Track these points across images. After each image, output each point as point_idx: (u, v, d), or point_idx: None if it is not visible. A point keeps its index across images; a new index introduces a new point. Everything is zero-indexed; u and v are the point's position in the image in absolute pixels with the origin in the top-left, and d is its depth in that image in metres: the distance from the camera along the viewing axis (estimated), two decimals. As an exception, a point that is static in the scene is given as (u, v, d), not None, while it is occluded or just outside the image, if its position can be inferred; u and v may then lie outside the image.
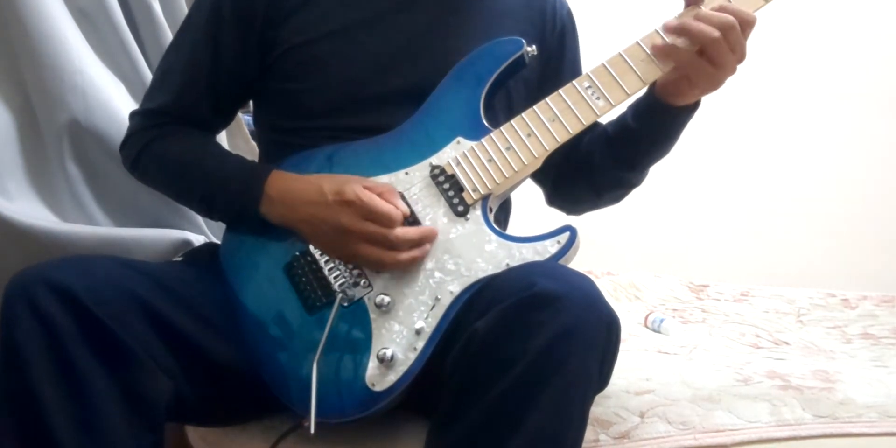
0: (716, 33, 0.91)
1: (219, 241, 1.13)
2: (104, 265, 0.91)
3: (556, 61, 1.16)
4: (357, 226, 0.93)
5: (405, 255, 0.92)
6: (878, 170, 2.42)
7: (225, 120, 1.17)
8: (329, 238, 0.95)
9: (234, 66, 1.07)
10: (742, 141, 2.43)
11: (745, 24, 0.92)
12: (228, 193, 1.01)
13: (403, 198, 0.97)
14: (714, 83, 0.95)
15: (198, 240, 1.34)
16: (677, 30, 0.93)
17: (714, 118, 2.39)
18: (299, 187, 0.97)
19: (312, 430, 0.87)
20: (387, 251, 0.92)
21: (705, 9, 0.93)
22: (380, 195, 0.94)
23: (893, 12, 2.37)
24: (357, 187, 0.94)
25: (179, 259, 1.18)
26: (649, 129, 1.05)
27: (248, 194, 0.99)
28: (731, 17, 0.91)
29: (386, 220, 0.92)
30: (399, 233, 0.92)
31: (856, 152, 2.41)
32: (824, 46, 2.39)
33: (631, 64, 0.96)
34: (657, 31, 0.95)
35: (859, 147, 2.41)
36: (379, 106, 1.04)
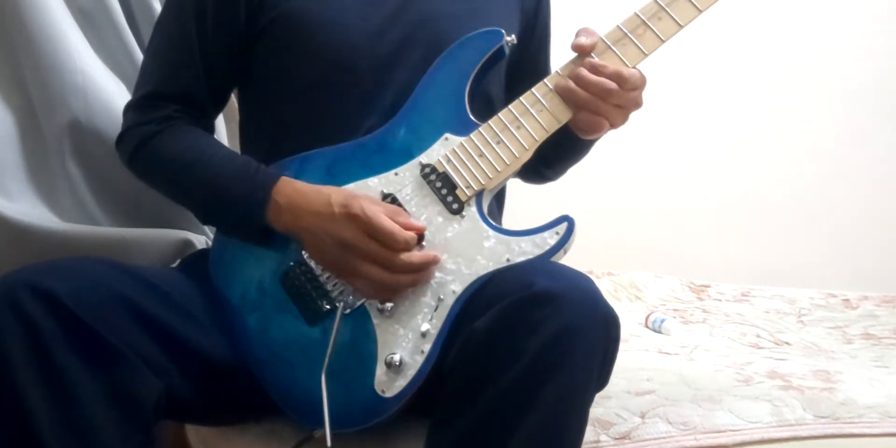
0: (598, 101, 0.93)
1: (220, 242, 1.12)
2: (91, 267, 0.90)
3: (530, 32, 1.16)
4: (359, 242, 0.90)
5: (406, 278, 0.90)
6: (879, 170, 2.42)
7: (219, 103, 1.13)
8: (329, 251, 0.93)
9: (222, 38, 1.04)
10: (742, 141, 2.43)
11: (624, 84, 0.93)
12: (233, 198, 0.98)
13: (395, 199, 0.96)
14: (599, 129, 0.97)
15: (198, 240, 1.34)
16: (565, 91, 0.94)
17: (714, 118, 2.41)
18: (307, 196, 0.95)
19: (329, 443, 0.87)
20: (387, 272, 0.90)
21: (583, 71, 0.93)
22: (389, 215, 0.91)
23: (893, 10, 2.38)
24: (364, 202, 0.91)
25: (175, 266, 1.16)
26: (557, 138, 1.04)
27: (255, 200, 0.96)
28: (609, 83, 0.92)
29: (390, 241, 0.90)
30: (403, 256, 0.89)
31: (856, 152, 2.41)
32: (826, 46, 2.39)
33: (615, 50, 0.95)
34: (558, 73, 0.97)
35: (860, 147, 2.41)
36: (371, 74, 1.02)
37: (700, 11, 0.94)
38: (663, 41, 0.95)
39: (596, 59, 0.94)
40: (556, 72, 0.97)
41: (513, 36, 1.00)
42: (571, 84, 0.94)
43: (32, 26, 1.18)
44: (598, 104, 0.94)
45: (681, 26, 0.94)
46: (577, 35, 0.97)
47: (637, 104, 0.97)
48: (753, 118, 2.42)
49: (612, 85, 0.93)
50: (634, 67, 0.95)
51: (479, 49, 0.99)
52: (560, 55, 1.01)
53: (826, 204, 2.42)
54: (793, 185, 2.43)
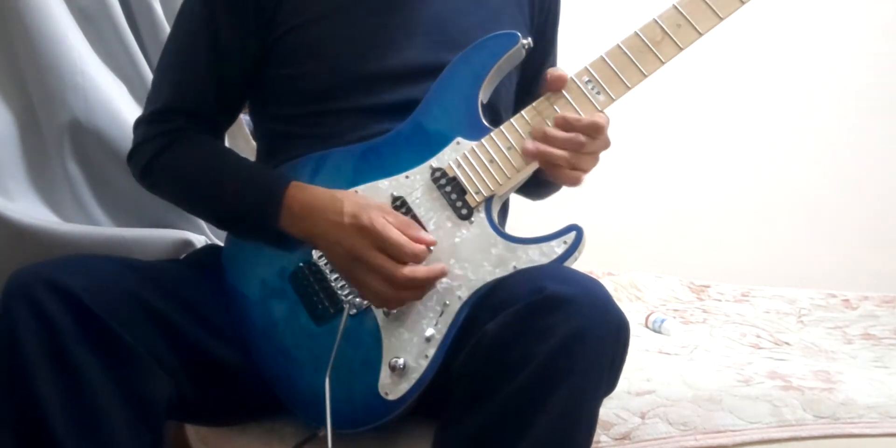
0: (568, 155, 0.91)
1: (220, 242, 1.13)
2: (104, 265, 0.91)
3: (540, 34, 1.15)
4: (367, 254, 0.89)
5: (407, 294, 0.89)
6: (879, 170, 2.42)
7: (230, 115, 1.14)
8: (341, 260, 0.93)
9: (233, 52, 1.04)
10: (742, 141, 2.43)
11: (596, 133, 0.92)
12: (247, 205, 0.98)
13: (405, 203, 0.95)
14: (578, 182, 0.95)
15: (198, 240, 1.34)
16: (536, 155, 0.92)
17: (714, 118, 2.41)
18: (322, 202, 0.94)
19: (330, 445, 0.87)
20: (391, 287, 0.89)
21: (552, 130, 0.92)
22: (400, 227, 0.90)
23: (894, 10, 2.38)
24: (374, 214, 0.90)
25: (181, 259, 1.17)
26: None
27: (268, 206, 0.96)
28: (580, 137, 0.91)
29: (398, 253, 0.88)
30: (407, 272, 0.88)
31: (856, 152, 2.41)
32: (825, 46, 2.39)
33: (631, 56, 0.93)
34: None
35: (859, 147, 2.41)
36: (381, 84, 1.02)
37: (700, 34, 0.95)
38: (663, 63, 0.94)
39: (570, 115, 0.92)
40: (572, 78, 0.94)
41: (529, 39, 0.98)
42: (544, 147, 0.91)
43: (32, 26, 1.18)
44: (574, 158, 0.92)
45: (681, 48, 0.94)
46: (553, 80, 0.94)
47: (608, 145, 0.96)
48: (753, 119, 2.43)
49: (583, 138, 0.91)
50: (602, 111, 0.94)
51: (494, 52, 0.97)
52: (567, 52, 0.99)
53: (826, 204, 2.42)
54: (793, 185, 2.43)
